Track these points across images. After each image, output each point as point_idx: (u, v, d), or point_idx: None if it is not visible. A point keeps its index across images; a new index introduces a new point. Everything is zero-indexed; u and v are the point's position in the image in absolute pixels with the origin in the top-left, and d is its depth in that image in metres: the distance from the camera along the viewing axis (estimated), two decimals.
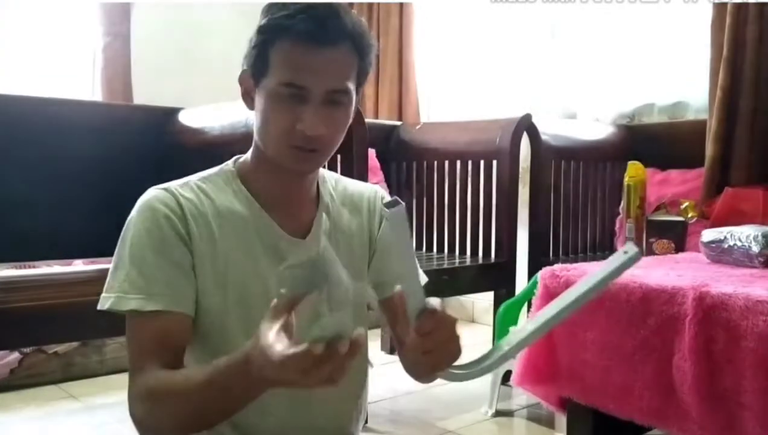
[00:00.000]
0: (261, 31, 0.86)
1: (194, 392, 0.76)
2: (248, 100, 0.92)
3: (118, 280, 0.85)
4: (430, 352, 0.77)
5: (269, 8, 0.87)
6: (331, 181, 1.04)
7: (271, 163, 0.91)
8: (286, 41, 0.84)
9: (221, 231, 0.90)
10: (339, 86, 0.86)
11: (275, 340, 0.64)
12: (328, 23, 0.84)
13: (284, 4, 0.85)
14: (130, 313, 0.84)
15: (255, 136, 0.93)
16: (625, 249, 0.75)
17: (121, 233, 0.89)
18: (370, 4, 3.50)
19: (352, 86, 0.88)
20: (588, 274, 0.78)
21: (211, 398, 0.75)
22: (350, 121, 0.91)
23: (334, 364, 0.61)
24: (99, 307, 0.87)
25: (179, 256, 0.87)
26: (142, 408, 0.82)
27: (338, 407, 0.99)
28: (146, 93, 2.83)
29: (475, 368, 0.80)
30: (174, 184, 0.91)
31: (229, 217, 0.91)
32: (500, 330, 2.15)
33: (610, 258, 0.76)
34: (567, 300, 0.77)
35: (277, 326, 0.66)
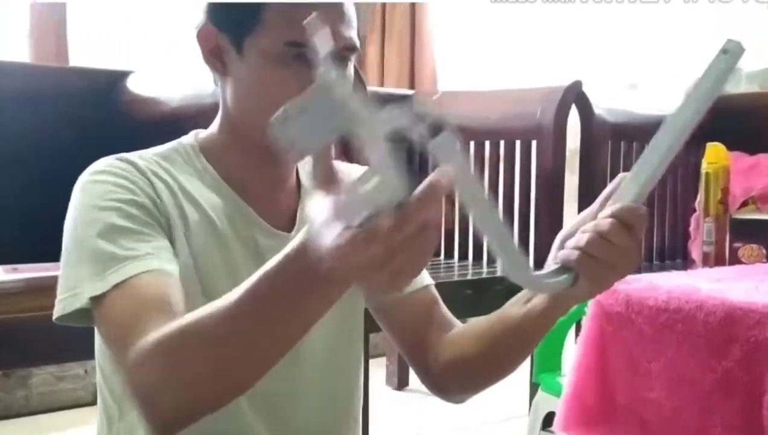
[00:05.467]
0: None
1: (227, 319, 0.69)
2: (216, 63, 0.93)
3: (86, 267, 0.83)
4: (608, 266, 0.80)
5: None
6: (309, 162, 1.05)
7: (250, 143, 0.93)
8: None
9: (192, 214, 0.92)
10: (351, 42, 0.89)
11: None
12: None
13: None
14: (111, 290, 0.81)
15: (231, 109, 0.94)
16: (724, 47, 0.76)
17: (69, 223, 0.88)
18: None
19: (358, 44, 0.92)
20: (685, 96, 0.79)
21: (253, 321, 0.68)
22: None
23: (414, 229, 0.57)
24: (66, 311, 0.84)
25: (154, 221, 0.87)
26: (150, 369, 0.73)
27: (327, 411, 1.02)
28: (86, 53, 2.83)
29: None
30: (130, 155, 0.92)
31: (198, 201, 0.93)
32: (541, 361, 2.15)
33: (706, 69, 0.78)
34: (667, 138, 0.79)
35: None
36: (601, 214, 0.80)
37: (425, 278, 1.09)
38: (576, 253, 0.80)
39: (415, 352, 1.06)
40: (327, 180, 0.62)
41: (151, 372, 0.73)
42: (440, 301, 1.08)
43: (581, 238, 0.80)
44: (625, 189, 0.81)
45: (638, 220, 0.79)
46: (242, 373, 0.72)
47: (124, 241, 0.83)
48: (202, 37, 0.93)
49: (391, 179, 0.57)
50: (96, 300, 0.81)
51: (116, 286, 0.80)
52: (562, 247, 0.83)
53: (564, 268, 0.81)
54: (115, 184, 0.87)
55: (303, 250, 0.63)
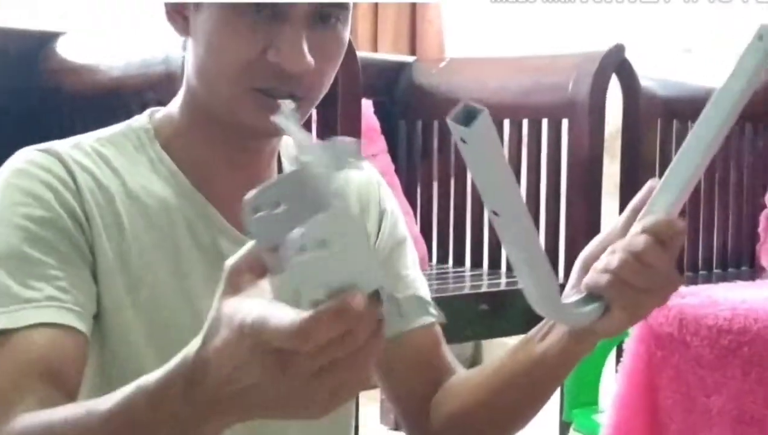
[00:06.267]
0: None
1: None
2: (179, 21, 0.93)
3: None
4: (644, 291, 0.82)
5: None
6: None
7: (216, 119, 0.93)
8: None
9: (132, 220, 0.91)
10: None
11: (260, 311, 0.57)
12: None
13: None
14: None
15: (190, 78, 0.94)
16: (759, 32, 0.79)
17: None
18: None
19: None
20: (719, 89, 0.82)
21: None
22: (344, 52, 0.93)
23: (353, 347, 0.55)
24: None
25: (72, 246, 0.87)
26: None
27: None
28: (4, 11, 2.83)
29: None
30: (60, 145, 0.92)
31: (144, 200, 0.93)
32: (573, 395, 2.15)
33: (741, 55, 0.81)
34: (701, 140, 0.83)
35: (254, 293, 0.60)
36: (633, 230, 0.83)
37: (428, 312, 1.08)
38: (606, 277, 0.82)
39: (409, 404, 1.07)
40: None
41: None
42: (443, 343, 1.09)
43: (611, 259, 0.82)
44: (657, 199, 0.84)
45: (676, 236, 0.82)
46: None
47: (25, 274, 0.84)
48: None
49: (363, 270, 0.56)
50: None
51: (1, 331, 0.81)
52: (585, 271, 0.85)
53: (591, 296, 0.83)
54: (31, 194, 0.87)
55: (192, 369, 0.61)
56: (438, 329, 1.08)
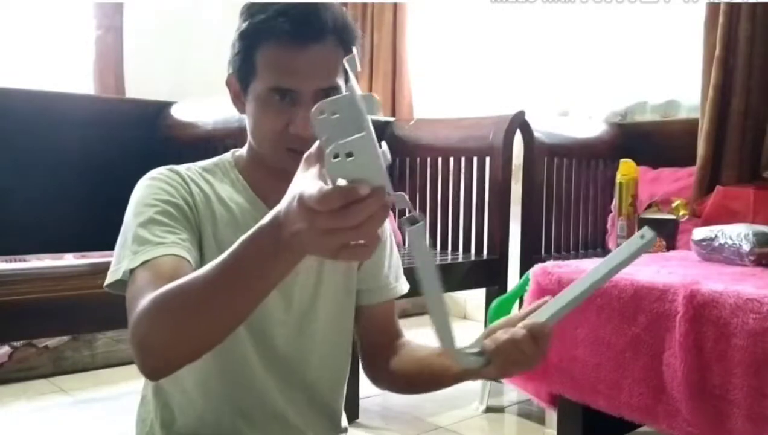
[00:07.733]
0: (243, 36, 0.87)
1: (209, 279, 0.66)
2: (238, 103, 0.94)
3: (128, 248, 0.83)
4: (514, 363, 0.82)
5: (248, 10, 0.87)
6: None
7: (266, 162, 0.93)
8: (269, 45, 0.85)
9: (221, 215, 0.92)
10: (327, 84, 0.87)
11: (309, 183, 0.57)
12: (308, 21, 0.84)
13: (262, 6, 0.85)
14: (140, 266, 0.80)
15: (249, 137, 0.94)
16: (642, 233, 0.76)
17: (126, 215, 0.88)
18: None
19: (340, 82, 0.88)
20: (605, 259, 0.79)
21: (230, 282, 0.65)
22: None
23: (364, 214, 0.54)
24: (110, 281, 0.84)
25: (186, 220, 0.88)
26: (143, 323, 0.70)
27: (327, 369, 1.00)
28: (138, 87, 2.82)
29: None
30: (178, 166, 0.93)
31: (228, 203, 0.93)
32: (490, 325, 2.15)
33: (625, 243, 0.78)
34: (584, 284, 0.80)
35: (312, 172, 0.59)
36: (520, 324, 0.82)
37: (398, 289, 1.07)
38: (493, 346, 0.81)
39: (369, 351, 1.06)
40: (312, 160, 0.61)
41: (144, 324, 0.71)
42: (395, 314, 1.08)
43: (500, 336, 0.82)
44: (543, 310, 0.83)
45: (544, 336, 0.81)
46: (215, 327, 0.68)
47: (157, 231, 0.83)
48: (228, 83, 0.93)
49: (374, 163, 0.55)
50: (130, 273, 0.81)
51: (144, 263, 0.80)
52: (488, 335, 0.85)
53: (482, 352, 0.83)
54: (160, 188, 0.88)
55: (276, 218, 0.60)
56: (393, 304, 1.07)
